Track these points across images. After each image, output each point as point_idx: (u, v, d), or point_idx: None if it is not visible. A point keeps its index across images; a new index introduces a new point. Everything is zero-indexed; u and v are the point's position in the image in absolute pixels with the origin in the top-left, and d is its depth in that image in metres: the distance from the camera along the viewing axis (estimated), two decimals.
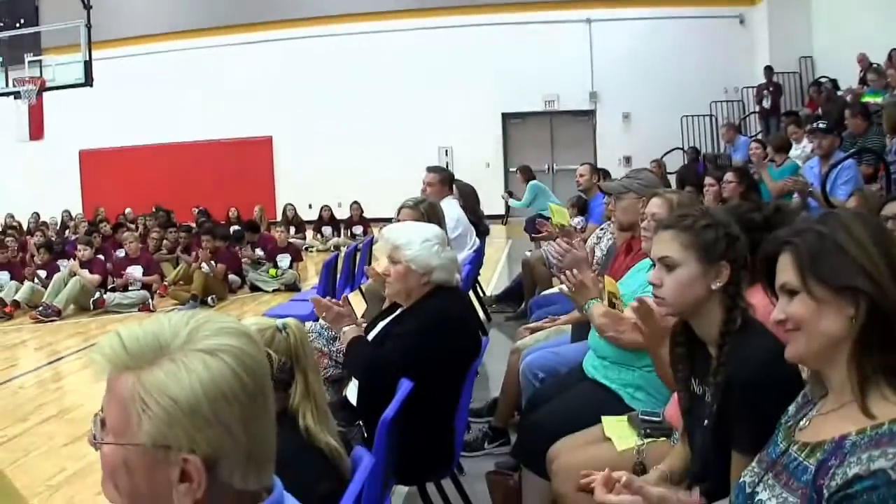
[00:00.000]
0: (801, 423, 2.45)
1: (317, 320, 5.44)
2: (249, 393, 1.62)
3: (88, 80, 22.29)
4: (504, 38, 27.36)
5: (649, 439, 4.13)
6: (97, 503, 6.45)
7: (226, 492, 1.64)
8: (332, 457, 3.17)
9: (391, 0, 27.85)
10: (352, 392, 4.91)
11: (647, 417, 4.27)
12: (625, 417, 4.40)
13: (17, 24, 23.42)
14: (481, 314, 10.90)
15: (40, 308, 14.77)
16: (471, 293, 9.95)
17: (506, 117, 28.48)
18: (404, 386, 4.18)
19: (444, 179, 9.83)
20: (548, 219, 10.27)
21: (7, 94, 23.58)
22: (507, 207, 23.96)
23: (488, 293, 12.85)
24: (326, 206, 24.35)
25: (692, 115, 26.01)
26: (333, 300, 5.13)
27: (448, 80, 27.50)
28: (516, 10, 27.28)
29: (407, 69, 27.78)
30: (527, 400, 5.71)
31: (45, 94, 23.59)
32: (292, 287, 15.77)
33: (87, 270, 15.35)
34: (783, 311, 2.39)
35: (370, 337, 4.99)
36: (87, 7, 22.07)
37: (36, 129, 24.86)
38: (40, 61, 23.14)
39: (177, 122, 29.22)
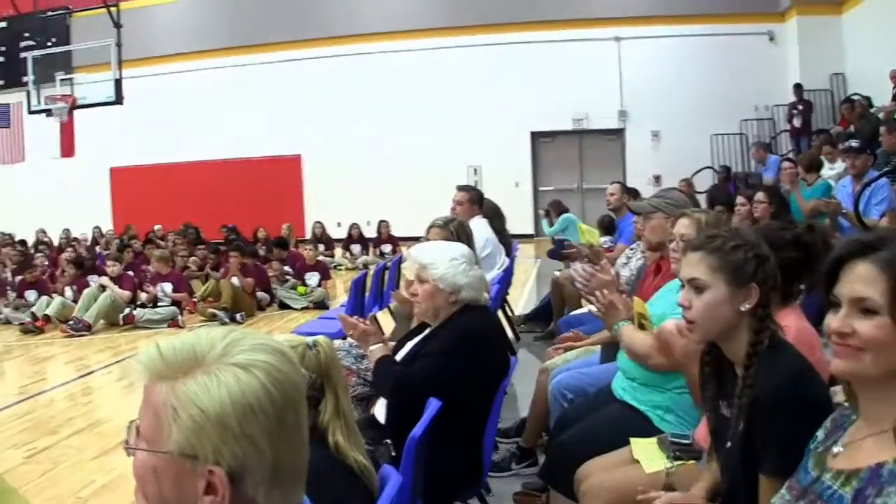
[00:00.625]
0: (834, 449, 2.40)
1: (345, 338, 5.44)
2: (278, 408, 1.63)
3: (119, 98, 22.40)
4: (533, 57, 27.25)
5: (678, 462, 4.10)
6: None
7: None
8: (361, 474, 3.19)
9: (420, 19, 27.83)
10: (379, 410, 4.91)
11: (676, 440, 4.24)
12: (654, 440, 4.37)
13: (49, 43, 23.56)
14: (510, 333, 10.90)
15: (71, 322, 14.89)
16: (499, 312, 9.92)
17: (535, 136, 28.36)
18: (433, 405, 4.17)
19: (473, 198, 9.80)
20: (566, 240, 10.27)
21: (39, 112, 23.74)
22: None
23: (517, 312, 12.83)
24: (356, 224, 24.32)
25: (722, 134, 25.89)
26: (360, 318, 5.13)
27: (477, 99, 27.44)
28: (545, 28, 27.17)
29: (436, 87, 27.74)
30: (555, 420, 5.69)
31: (76, 112, 23.73)
32: (321, 305, 15.80)
33: (117, 286, 15.44)
34: (850, 326, 2.25)
35: (399, 356, 4.99)
36: (118, 26, 22.18)
37: (67, 147, 24.90)
38: (71, 79, 23.25)
39: (206, 140, 29.29)
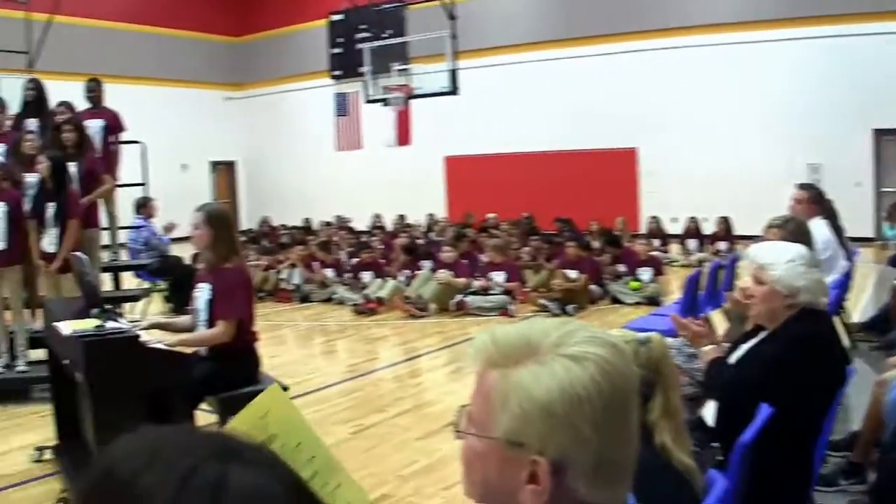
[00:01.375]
0: None
1: (677, 336, 5.35)
2: (605, 399, 1.62)
3: (454, 89, 22.96)
4: (873, 49, 25.92)
5: None
6: (445, 498, 6.62)
7: (571, 499, 1.64)
8: (687, 476, 3.14)
9: (755, 10, 26.94)
10: (708, 413, 4.80)
11: None
12: None
13: (385, 35, 24.48)
14: (845, 341, 10.54)
15: (411, 299, 15.60)
16: (836, 318, 9.58)
17: (878, 134, 27.02)
18: (764, 411, 4.05)
19: (813, 197, 9.52)
20: None
21: (376, 101, 24.71)
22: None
23: (854, 320, 12.36)
24: (693, 218, 23.84)
25: None
26: (693, 319, 5.04)
27: (817, 94, 26.38)
28: (884, 18, 25.80)
29: (772, 81, 26.71)
30: (888, 437, 5.46)
31: (412, 102, 24.50)
32: (653, 301, 15.52)
33: (451, 273, 15.81)
34: None
35: (732, 359, 4.87)
36: (453, 18, 22.72)
37: (403, 135, 25.81)
38: (407, 70, 24.04)
39: (539, 131, 29.49)
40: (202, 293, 7.04)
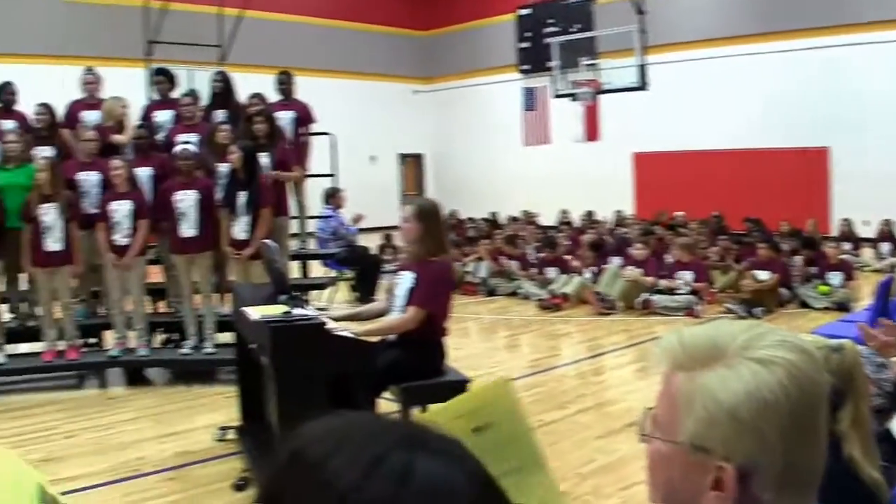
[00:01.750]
0: None
1: (865, 344, 5.20)
2: (793, 405, 1.56)
3: (643, 84, 22.76)
4: None
5: None
6: (622, 498, 6.59)
7: None
8: (874, 490, 3.05)
9: None
10: None
11: None
12: None
13: (573, 29, 24.40)
14: None
15: (600, 296, 15.54)
16: None
17: None
18: None
19: None
20: None
21: (564, 96, 24.63)
22: None
23: None
24: (887, 220, 23.10)
25: None
26: (882, 328, 4.88)
27: None
28: None
29: None
30: None
31: (601, 97, 24.38)
32: (843, 306, 15.08)
33: (640, 270, 15.76)
34: None
35: None
36: (641, 12, 22.51)
37: (591, 131, 25.72)
38: (595, 65, 23.93)
39: (729, 128, 28.90)
40: (404, 281, 7.14)
